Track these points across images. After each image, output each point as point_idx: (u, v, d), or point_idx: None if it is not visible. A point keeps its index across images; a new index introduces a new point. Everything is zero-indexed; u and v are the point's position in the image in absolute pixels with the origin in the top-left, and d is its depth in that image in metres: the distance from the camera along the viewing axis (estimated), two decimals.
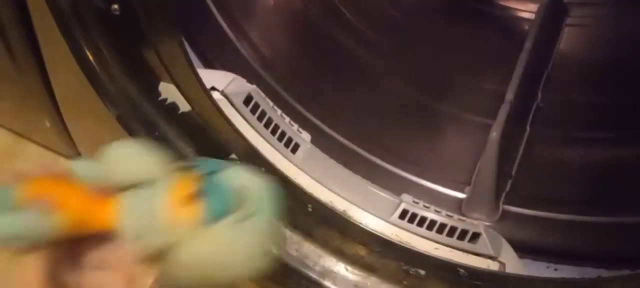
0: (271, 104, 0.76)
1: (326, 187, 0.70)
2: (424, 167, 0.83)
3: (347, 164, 0.76)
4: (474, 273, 0.56)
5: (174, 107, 0.65)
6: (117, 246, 0.35)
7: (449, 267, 0.57)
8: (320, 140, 0.79)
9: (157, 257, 0.36)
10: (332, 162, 0.76)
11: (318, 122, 0.86)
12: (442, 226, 0.68)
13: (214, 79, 0.73)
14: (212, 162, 0.41)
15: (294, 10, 1.05)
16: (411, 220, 0.68)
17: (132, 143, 0.39)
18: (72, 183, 0.36)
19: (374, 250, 0.57)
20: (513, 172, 0.80)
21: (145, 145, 0.38)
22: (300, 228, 0.60)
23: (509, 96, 0.80)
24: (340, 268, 0.56)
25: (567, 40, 0.98)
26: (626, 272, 0.63)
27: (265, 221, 0.38)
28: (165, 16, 0.62)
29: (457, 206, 0.78)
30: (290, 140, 0.74)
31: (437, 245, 0.66)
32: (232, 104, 0.72)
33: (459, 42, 1.03)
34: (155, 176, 0.37)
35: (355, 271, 0.56)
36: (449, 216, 0.70)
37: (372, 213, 0.68)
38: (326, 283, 0.56)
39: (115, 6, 0.60)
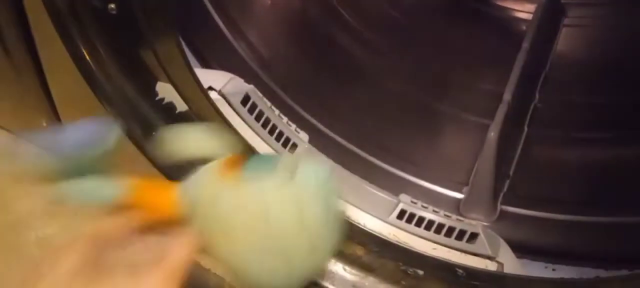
0: (269, 103, 0.76)
1: None
2: (422, 167, 0.83)
3: (345, 164, 0.76)
4: (472, 273, 0.56)
5: (171, 106, 0.65)
6: (160, 242, 0.37)
7: (447, 267, 0.57)
8: (318, 140, 0.79)
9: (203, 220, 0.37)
10: (330, 162, 0.75)
11: (316, 122, 0.86)
12: (440, 226, 0.68)
13: (212, 78, 0.73)
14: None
15: (292, 10, 1.05)
16: (409, 220, 0.68)
17: (194, 126, 0.42)
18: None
19: (372, 250, 0.57)
20: (511, 172, 0.80)
21: (205, 128, 0.41)
22: None
23: (507, 96, 0.80)
24: (338, 268, 0.55)
25: (565, 40, 0.98)
26: (624, 272, 0.63)
27: (307, 184, 0.37)
28: (162, 16, 0.62)
29: (455, 206, 0.78)
30: (288, 140, 0.74)
31: (435, 245, 0.66)
32: (229, 104, 0.71)
33: (456, 43, 1.03)
34: (213, 155, 0.39)
35: (353, 271, 0.55)
36: (447, 216, 0.69)
37: (370, 213, 0.68)
38: (324, 283, 0.56)
39: (112, 6, 0.60)
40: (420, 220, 0.68)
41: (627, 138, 0.81)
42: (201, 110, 0.66)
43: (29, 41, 0.69)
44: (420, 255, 0.62)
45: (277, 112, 0.76)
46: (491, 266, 0.64)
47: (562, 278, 0.65)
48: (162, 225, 0.38)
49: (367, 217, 0.68)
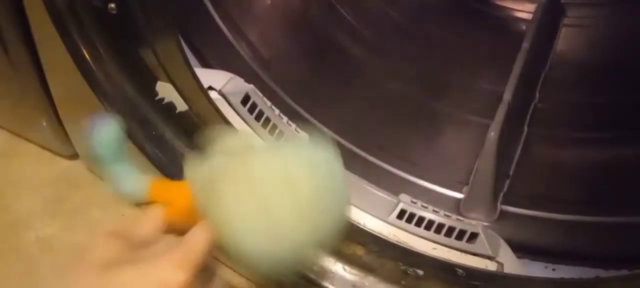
0: (269, 103, 0.76)
1: None
2: (422, 167, 0.83)
3: (344, 164, 0.76)
4: (472, 273, 0.56)
5: (171, 106, 0.65)
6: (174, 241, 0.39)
7: (447, 267, 0.57)
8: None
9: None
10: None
11: (316, 122, 0.86)
12: (440, 226, 0.68)
13: (212, 78, 0.73)
14: None
15: (291, 9, 1.05)
16: (409, 220, 0.68)
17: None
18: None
19: (372, 250, 0.57)
20: (511, 172, 0.80)
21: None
22: None
23: (507, 96, 0.80)
24: (338, 268, 0.55)
25: (565, 40, 0.98)
26: (624, 272, 0.64)
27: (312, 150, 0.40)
28: (162, 15, 0.62)
29: (455, 206, 0.78)
30: (287, 140, 0.74)
31: (435, 245, 0.66)
32: (229, 104, 0.71)
33: (456, 42, 1.03)
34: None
35: (353, 271, 0.55)
36: (447, 216, 0.69)
37: (370, 213, 0.68)
38: (324, 283, 0.56)
39: (112, 5, 0.60)
40: (420, 220, 0.68)
41: (627, 138, 0.81)
42: (201, 109, 0.66)
43: (29, 41, 0.69)
44: (420, 255, 0.62)
45: (277, 111, 0.76)
46: (491, 266, 0.64)
47: (562, 278, 0.65)
48: (181, 223, 0.40)
49: (367, 216, 0.68)
